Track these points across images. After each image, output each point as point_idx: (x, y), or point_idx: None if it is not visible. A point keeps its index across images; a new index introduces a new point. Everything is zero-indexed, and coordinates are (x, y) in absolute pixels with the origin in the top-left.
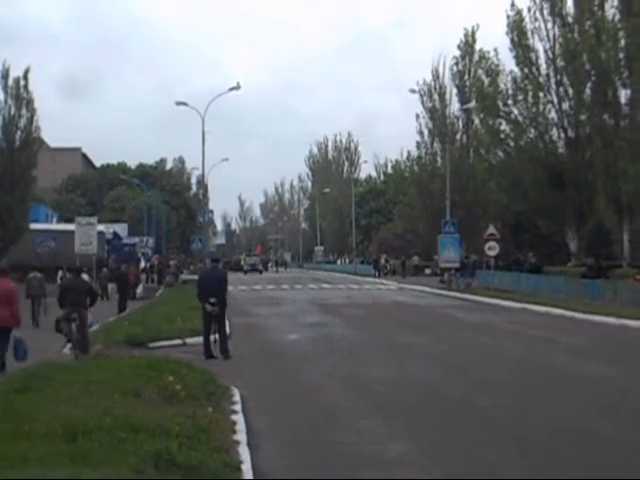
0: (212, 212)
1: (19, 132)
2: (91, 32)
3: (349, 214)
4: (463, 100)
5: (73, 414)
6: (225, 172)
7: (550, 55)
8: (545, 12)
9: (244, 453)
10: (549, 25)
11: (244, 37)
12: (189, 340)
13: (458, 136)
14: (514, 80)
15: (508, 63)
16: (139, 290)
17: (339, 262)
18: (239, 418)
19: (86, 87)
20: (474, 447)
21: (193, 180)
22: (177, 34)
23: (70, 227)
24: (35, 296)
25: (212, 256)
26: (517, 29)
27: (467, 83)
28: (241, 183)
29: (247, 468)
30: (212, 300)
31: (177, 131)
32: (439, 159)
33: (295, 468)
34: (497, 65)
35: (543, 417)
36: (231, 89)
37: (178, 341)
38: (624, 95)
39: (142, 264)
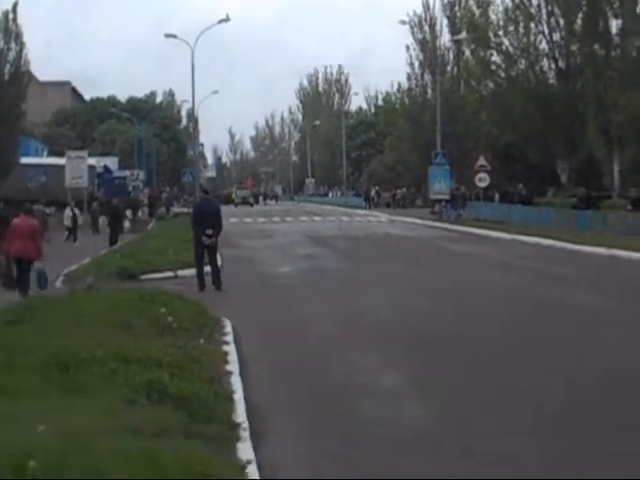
0: (202, 145)
1: (8, 66)
2: None
3: (340, 146)
4: (454, 31)
5: (65, 346)
6: (215, 105)
7: None
8: None
9: (236, 383)
10: None
11: None
12: (180, 272)
13: (449, 68)
14: (505, 11)
15: None
16: (126, 224)
17: (330, 194)
18: (231, 349)
19: (74, 22)
20: (464, 377)
21: (183, 113)
22: None
23: (61, 161)
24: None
25: (202, 188)
26: None
27: (458, 14)
28: (232, 116)
29: (239, 398)
30: (209, 232)
31: (167, 64)
32: (429, 91)
33: (287, 397)
34: None
35: (533, 348)
36: (220, 21)
37: (169, 273)
38: (615, 25)
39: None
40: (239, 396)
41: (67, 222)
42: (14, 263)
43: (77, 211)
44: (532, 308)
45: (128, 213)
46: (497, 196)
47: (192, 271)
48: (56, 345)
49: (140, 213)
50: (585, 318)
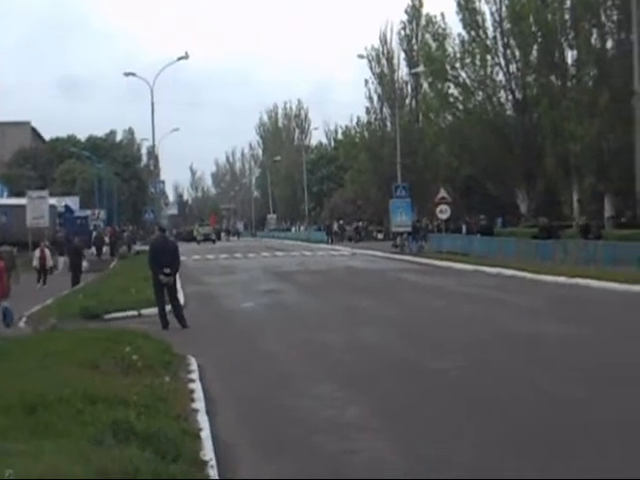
0: (163, 183)
1: None
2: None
3: (301, 181)
4: (411, 65)
5: (31, 387)
6: (176, 142)
7: (497, 17)
8: None
9: (203, 420)
10: None
11: (196, 6)
12: (144, 311)
13: (407, 101)
14: (461, 43)
15: (455, 27)
16: (84, 264)
17: (293, 229)
18: (196, 386)
19: (36, 59)
20: (429, 409)
21: (144, 151)
22: (133, 4)
23: (22, 201)
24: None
25: (159, 225)
26: None
27: (415, 48)
28: (192, 153)
29: (206, 435)
30: (166, 270)
31: (127, 103)
32: (389, 124)
33: (254, 434)
34: (444, 29)
35: (497, 377)
36: (179, 59)
37: (133, 312)
38: (571, 56)
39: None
40: (206, 434)
41: (35, 263)
42: None
43: (48, 252)
44: (495, 339)
45: (93, 250)
46: (464, 227)
47: (156, 309)
48: (21, 386)
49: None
50: (550, 348)
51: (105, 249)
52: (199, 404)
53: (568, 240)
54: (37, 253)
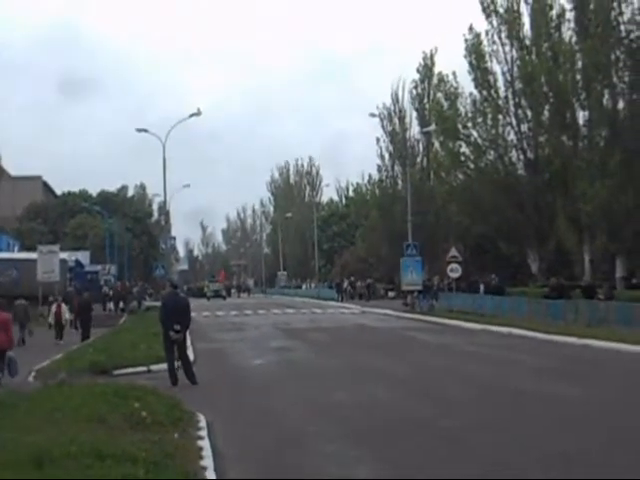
0: (174, 238)
1: None
2: (52, 60)
3: (311, 238)
4: (423, 123)
5: (38, 442)
6: (187, 198)
7: (508, 77)
8: (503, 35)
9: (211, 478)
10: (507, 48)
11: (207, 63)
12: (154, 367)
13: (419, 159)
14: (473, 103)
15: (467, 86)
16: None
17: (304, 287)
18: (205, 444)
19: (46, 116)
20: (441, 469)
21: (155, 207)
22: (143, 61)
23: (32, 255)
24: (21, 321)
25: (171, 282)
26: (475, 52)
27: (427, 106)
28: (203, 209)
29: None
30: (176, 327)
31: (139, 158)
32: (400, 182)
33: None
34: (456, 88)
35: (505, 437)
36: (192, 115)
37: (142, 368)
38: (582, 116)
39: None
40: None
41: (51, 319)
42: None
43: (64, 307)
44: (503, 398)
45: (111, 305)
46: (482, 287)
47: (165, 365)
48: (29, 441)
49: (112, 305)
50: (559, 410)
51: (120, 304)
52: (208, 461)
53: (579, 300)
54: (54, 308)
